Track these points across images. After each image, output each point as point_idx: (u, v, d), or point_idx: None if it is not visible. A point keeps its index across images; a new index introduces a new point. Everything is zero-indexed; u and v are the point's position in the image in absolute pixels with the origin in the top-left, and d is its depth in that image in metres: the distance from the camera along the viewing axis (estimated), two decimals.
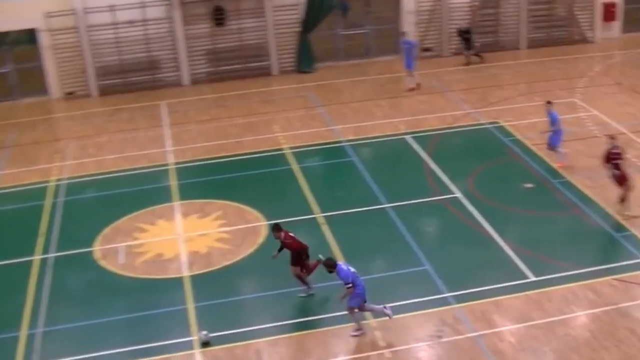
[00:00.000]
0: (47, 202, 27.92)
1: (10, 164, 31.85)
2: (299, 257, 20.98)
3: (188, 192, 27.66)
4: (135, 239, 25.07)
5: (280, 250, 21.23)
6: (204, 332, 19.84)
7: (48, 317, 21.32)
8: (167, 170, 29.55)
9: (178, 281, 22.47)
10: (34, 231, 26.00)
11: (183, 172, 29.34)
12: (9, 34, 39.08)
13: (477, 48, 39.55)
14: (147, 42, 38.99)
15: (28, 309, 21.78)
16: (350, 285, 19.23)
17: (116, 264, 23.69)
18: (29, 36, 38.75)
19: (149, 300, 21.77)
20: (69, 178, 29.75)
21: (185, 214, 26.27)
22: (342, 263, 19.78)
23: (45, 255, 24.52)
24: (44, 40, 38.36)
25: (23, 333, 20.85)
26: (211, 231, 25.03)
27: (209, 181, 28.79)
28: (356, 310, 19.65)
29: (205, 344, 19.69)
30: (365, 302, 19.66)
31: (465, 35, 39.54)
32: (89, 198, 28.49)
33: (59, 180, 29.65)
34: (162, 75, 39.56)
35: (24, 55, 39.50)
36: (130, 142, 32.74)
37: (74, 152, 32.38)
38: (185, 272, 22.85)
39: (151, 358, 19.41)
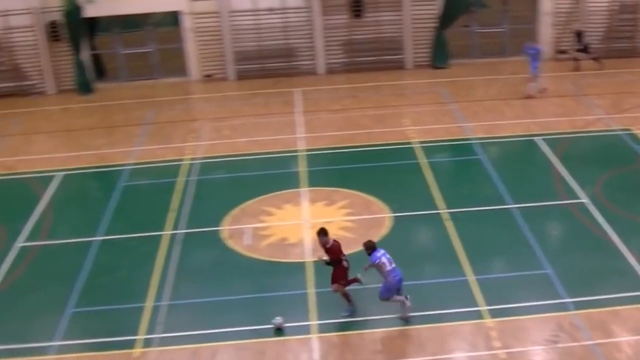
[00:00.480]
0: (180, 180, 28.45)
1: (148, 140, 32.58)
2: (339, 270, 20.28)
3: (316, 179, 27.80)
4: (262, 221, 25.33)
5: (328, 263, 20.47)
6: (279, 318, 19.96)
7: (173, 290, 21.74)
8: (297, 156, 29.75)
9: (300, 266, 22.62)
10: (166, 207, 26.54)
11: (313, 159, 29.49)
12: (154, 15, 39.92)
13: (594, 53, 38.45)
14: (285, 30, 39.29)
15: (155, 281, 22.25)
16: (367, 267, 19.87)
17: (242, 245, 23.99)
18: (172, 18, 39.48)
19: (270, 282, 21.98)
20: (202, 158, 30.26)
21: (312, 201, 26.41)
22: (381, 252, 19.90)
23: (175, 231, 25.00)
24: (187, 23, 39.03)
25: (149, 304, 21.32)
26: (336, 219, 25.10)
27: (338, 170, 28.88)
28: (394, 298, 19.96)
29: (278, 330, 19.85)
30: (397, 291, 19.92)
31: (580, 38, 38.40)
32: (220, 178, 28.91)
33: (192, 159, 30.18)
34: (298, 63, 39.80)
35: (166, 37, 40.33)
36: (263, 126, 33.07)
37: (208, 133, 32.92)
38: (308, 258, 22.99)
39: (268, 339, 19.62)
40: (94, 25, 39.98)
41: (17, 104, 38.24)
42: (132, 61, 40.31)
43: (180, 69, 39.88)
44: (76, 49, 38.43)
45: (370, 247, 20.03)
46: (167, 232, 24.91)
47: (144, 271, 22.74)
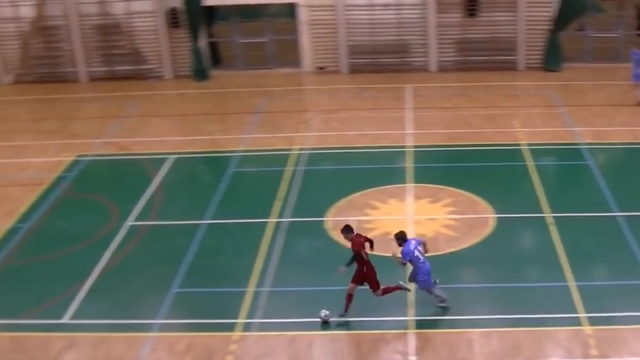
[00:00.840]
0: (288, 169, 28.59)
1: (259, 128, 32.85)
2: (367, 271, 19.87)
3: (422, 176, 27.62)
4: (366, 214, 25.29)
5: (350, 263, 20.13)
6: (325, 312, 19.89)
7: (275, 277, 21.88)
8: (404, 152, 29.60)
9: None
10: (273, 195, 26.70)
11: (420, 155, 29.31)
12: (271, 6, 40.22)
13: None
14: (399, 26, 39.13)
15: (258, 267, 22.41)
16: (406, 262, 19.66)
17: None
18: (289, 10, 39.71)
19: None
20: (310, 148, 30.36)
21: (417, 197, 26.26)
22: (413, 244, 19.71)
23: (280, 219, 25.14)
24: (302, 15, 39.19)
25: (250, 289, 21.49)
26: (440, 217, 24.92)
27: (444, 168, 28.65)
28: (433, 289, 20.08)
29: (324, 323, 19.81)
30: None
31: None
32: (327, 170, 28.96)
33: (301, 149, 30.30)
34: (410, 60, 39.60)
35: (282, 28, 40.62)
36: (373, 120, 33.01)
37: (318, 124, 33.02)
38: None
39: (364, 331, 19.60)
40: (212, 13, 40.49)
41: (135, 87, 38.99)
42: (248, 50, 40.67)
43: (294, 60, 40.08)
44: (194, 36, 38.93)
45: (401, 238, 19.83)
46: (272, 220, 25.06)
47: (248, 257, 22.92)
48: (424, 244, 20.35)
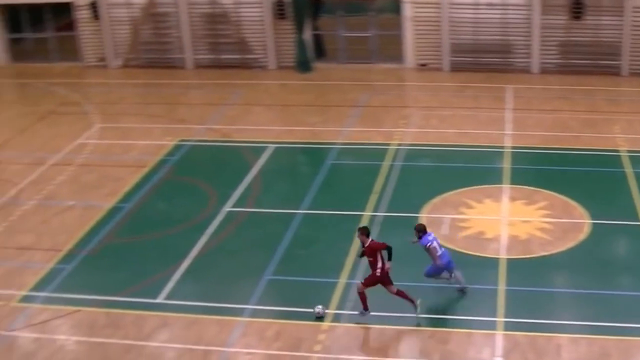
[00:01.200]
0: (386, 164, 28.46)
1: (359, 122, 32.79)
2: (373, 269, 19.58)
3: (519, 178, 27.18)
4: (461, 213, 25.02)
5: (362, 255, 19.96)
6: (320, 307, 19.87)
7: (367, 270, 21.66)
8: (502, 152, 29.19)
9: (493, 262, 22.20)
10: (369, 188, 26.61)
11: (517, 157, 28.86)
12: (376, 1, 40.11)
13: None
14: (503, 26, 38.60)
15: (350, 259, 22.33)
16: (415, 241, 20.42)
17: (438, 234, 23.64)
18: (394, 5, 39.51)
19: (462, 274, 21.70)
20: (409, 144, 30.16)
21: (512, 198, 25.86)
22: (432, 235, 20.34)
23: (375, 213, 25.03)
24: (407, 11, 38.95)
25: (342, 281, 21.46)
26: (534, 219, 24.50)
27: (541, 170, 28.15)
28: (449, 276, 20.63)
29: (319, 318, 19.75)
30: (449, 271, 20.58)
31: None
32: (424, 166, 28.73)
33: (399, 144, 30.13)
34: (512, 60, 39.03)
35: (386, 23, 40.40)
36: (472, 119, 32.65)
37: (417, 121, 32.82)
38: (502, 254, 22.54)
39: (453, 329, 19.43)
40: (318, 6, 40.57)
41: (239, 76, 39.27)
42: (351, 44, 40.58)
43: (396, 55, 39.86)
44: (299, 28, 39.01)
45: (421, 230, 20.37)
46: (367, 213, 24.97)
47: (341, 248, 22.87)
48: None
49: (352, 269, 21.89)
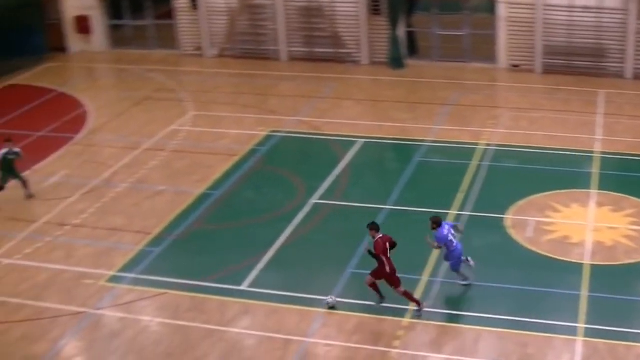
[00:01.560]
0: (473, 163, 28.20)
1: (448, 120, 32.54)
2: (380, 269, 19.53)
3: (607, 184, 26.65)
4: (547, 216, 24.64)
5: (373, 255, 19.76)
6: (332, 297, 19.99)
7: (449, 269, 21.56)
8: (591, 157, 28.65)
9: (577, 267, 21.83)
10: (456, 187, 26.41)
11: (607, 162, 28.30)
12: (471, 0, 39.78)
13: None
14: (597, 30, 37.83)
15: (433, 257, 22.16)
16: (440, 246, 20.25)
17: (523, 236, 23.47)
18: (489, 5, 39.07)
19: (545, 277, 21.43)
20: (497, 145, 29.82)
21: (600, 204, 25.38)
22: (447, 228, 20.25)
23: (461, 212, 24.83)
24: (502, 11, 38.49)
25: (424, 278, 21.39)
26: (621, 226, 24.00)
27: (630, 177, 27.55)
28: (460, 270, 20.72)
29: (331, 308, 19.87)
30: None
31: None
32: (512, 168, 28.37)
33: (488, 144, 29.82)
34: (605, 64, 38.28)
35: (480, 23, 39.96)
36: (561, 123, 32.12)
37: (507, 122, 32.41)
38: (587, 260, 22.14)
39: (532, 332, 19.15)
40: (413, 3, 40.37)
41: (331, 70, 39.29)
42: (445, 42, 40.24)
43: (489, 55, 39.41)
44: (394, 24, 38.86)
45: (436, 222, 20.28)
46: (453, 212, 24.79)
47: (425, 245, 22.67)
48: (456, 227, 20.91)
49: (434, 266, 21.75)
